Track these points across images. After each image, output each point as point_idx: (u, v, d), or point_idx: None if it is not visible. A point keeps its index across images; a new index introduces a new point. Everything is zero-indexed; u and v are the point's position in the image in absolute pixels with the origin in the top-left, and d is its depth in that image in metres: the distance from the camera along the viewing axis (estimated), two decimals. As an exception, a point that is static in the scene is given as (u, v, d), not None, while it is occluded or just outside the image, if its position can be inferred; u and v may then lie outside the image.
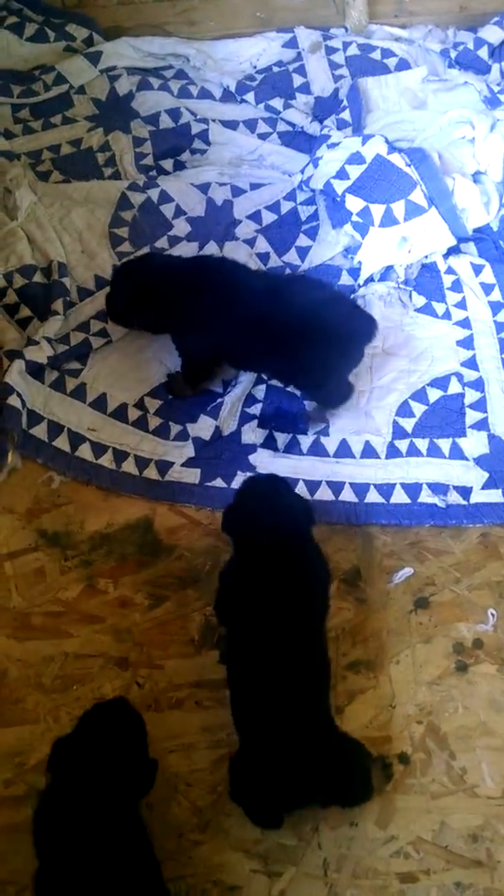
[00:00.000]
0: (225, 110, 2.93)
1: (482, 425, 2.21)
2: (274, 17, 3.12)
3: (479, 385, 2.29)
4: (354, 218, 2.50)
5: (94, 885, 1.39)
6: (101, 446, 2.19)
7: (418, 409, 2.25)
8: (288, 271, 2.53)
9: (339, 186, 2.52)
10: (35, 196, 2.65)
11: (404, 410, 2.25)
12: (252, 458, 2.16)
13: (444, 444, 2.18)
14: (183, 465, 2.16)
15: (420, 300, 2.47)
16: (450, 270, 2.53)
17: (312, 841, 1.62)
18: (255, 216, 2.64)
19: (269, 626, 1.65)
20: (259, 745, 1.58)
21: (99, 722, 1.58)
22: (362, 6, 3.07)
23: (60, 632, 1.90)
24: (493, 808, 1.66)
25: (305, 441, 2.20)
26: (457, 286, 2.49)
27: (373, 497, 2.10)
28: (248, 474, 2.11)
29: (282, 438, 2.21)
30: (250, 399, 2.27)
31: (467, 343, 2.38)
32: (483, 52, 2.99)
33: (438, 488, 2.11)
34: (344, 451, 2.18)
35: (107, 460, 2.17)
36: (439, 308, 2.45)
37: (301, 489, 2.09)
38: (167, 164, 2.83)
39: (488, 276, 2.51)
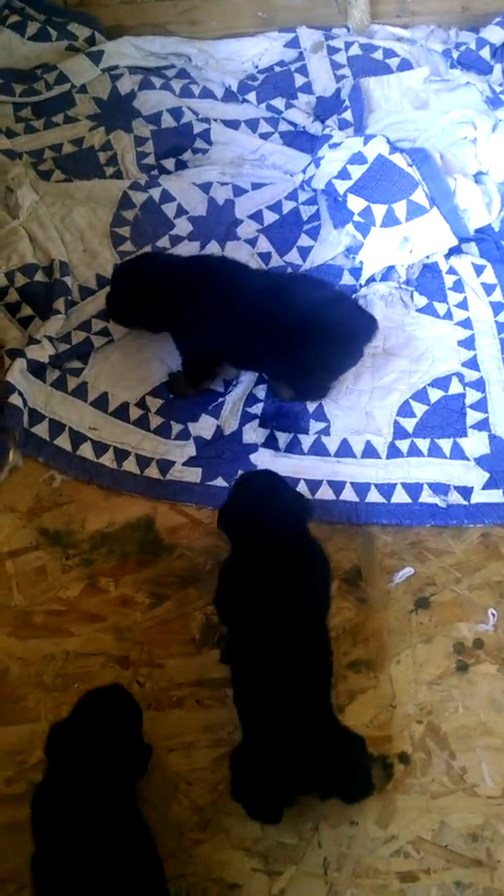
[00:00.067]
0: (227, 110, 2.93)
1: (483, 425, 2.21)
2: (276, 16, 3.12)
3: (480, 385, 2.29)
4: (356, 218, 2.50)
5: (90, 861, 1.41)
6: (102, 445, 2.19)
7: (419, 409, 2.25)
8: (289, 271, 2.53)
9: (341, 186, 2.52)
10: (37, 195, 2.65)
11: (405, 410, 2.25)
12: (253, 458, 2.16)
13: (445, 445, 2.18)
14: (184, 464, 2.16)
15: (421, 300, 2.47)
16: (451, 271, 2.53)
17: (313, 840, 1.63)
18: (257, 216, 2.64)
19: (269, 620, 1.66)
20: (260, 736, 1.58)
21: (94, 707, 1.61)
22: (364, 6, 3.07)
23: (61, 630, 1.90)
24: (493, 807, 1.66)
25: (307, 441, 2.20)
26: (458, 286, 2.49)
27: (374, 497, 2.11)
28: (249, 473, 2.11)
29: (283, 438, 2.21)
30: (252, 398, 2.27)
31: (468, 343, 2.38)
32: (485, 53, 2.99)
33: (439, 488, 2.11)
34: (345, 450, 2.18)
35: (108, 459, 2.17)
36: (441, 308, 2.46)
37: (302, 488, 2.10)
38: (169, 163, 2.83)
39: (490, 276, 2.52)
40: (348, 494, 2.11)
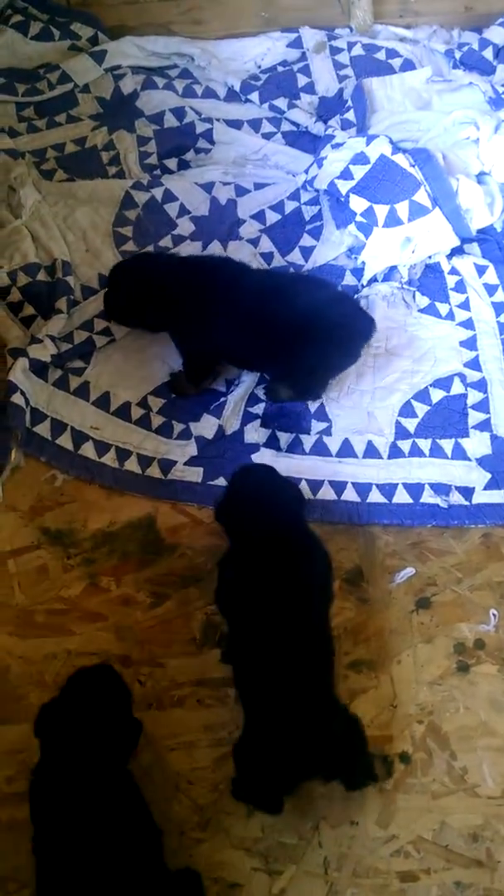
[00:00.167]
0: (229, 110, 2.93)
1: (485, 426, 2.21)
2: (279, 16, 3.12)
3: (481, 386, 2.29)
4: (358, 218, 2.50)
5: (88, 835, 1.43)
6: (104, 445, 2.20)
7: (421, 409, 2.25)
8: (291, 271, 2.53)
9: (344, 186, 2.52)
10: (39, 194, 2.65)
11: (407, 411, 2.25)
12: (255, 458, 2.16)
13: (447, 445, 2.18)
14: (186, 463, 2.16)
15: (423, 301, 2.47)
16: (453, 271, 2.53)
17: (313, 839, 1.63)
18: (259, 216, 2.64)
19: (268, 610, 1.66)
20: (262, 720, 1.58)
21: (83, 685, 1.62)
22: (367, 6, 3.07)
23: (63, 629, 1.91)
24: (493, 807, 1.66)
25: (308, 441, 2.20)
26: (460, 287, 2.49)
27: (375, 497, 2.11)
28: (251, 473, 2.11)
29: (285, 438, 2.21)
30: (253, 398, 2.27)
31: (470, 344, 2.38)
32: (488, 53, 2.99)
33: (441, 489, 2.11)
34: (346, 450, 2.18)
35: (110, 459, 2.17)
36: (443, 309, 2.46)
37: (304, 488, 2.09)
38: (171, 163, 2.83)
39: (492, 276, 2.52)
40: (350, 494, 2.11)
